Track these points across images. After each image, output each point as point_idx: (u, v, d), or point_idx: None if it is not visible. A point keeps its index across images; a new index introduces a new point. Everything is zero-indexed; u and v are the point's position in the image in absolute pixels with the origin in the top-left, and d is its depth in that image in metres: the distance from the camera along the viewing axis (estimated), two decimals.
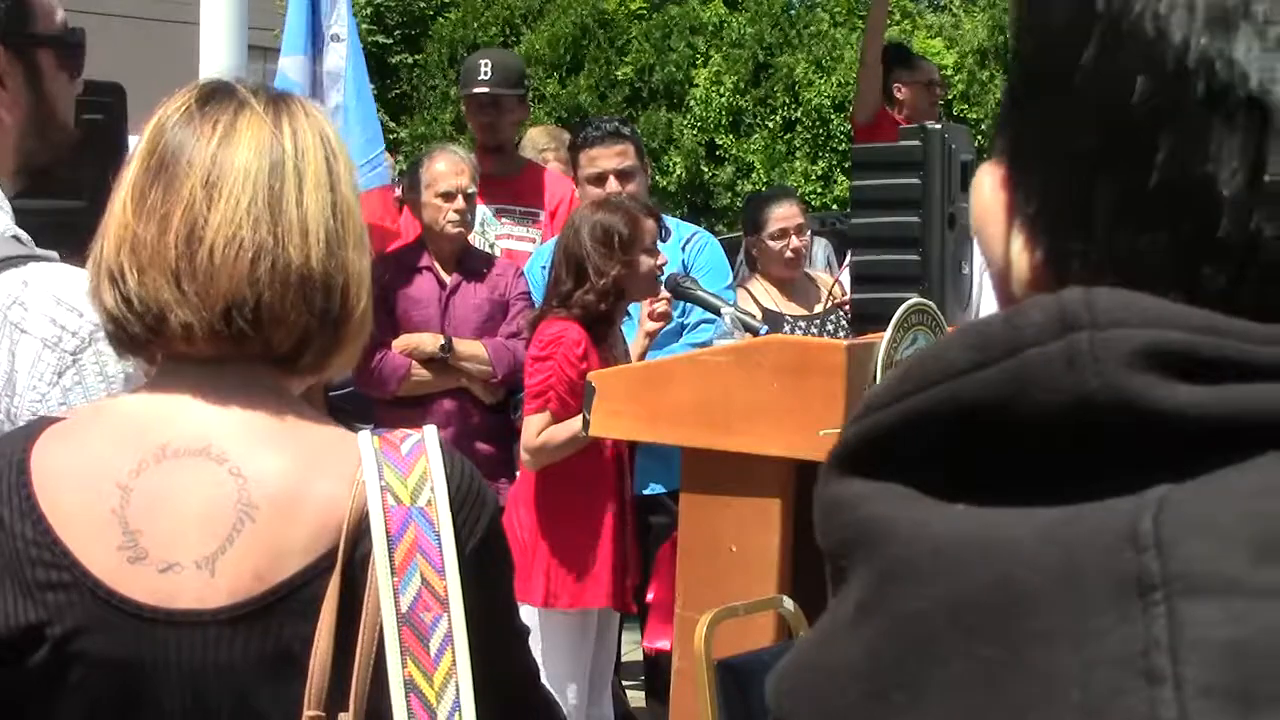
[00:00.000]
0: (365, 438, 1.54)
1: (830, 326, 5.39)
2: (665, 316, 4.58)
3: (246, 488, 1.48)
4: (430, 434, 1.58)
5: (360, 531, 1.49)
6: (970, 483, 0.62)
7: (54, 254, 1.83)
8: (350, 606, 1.48)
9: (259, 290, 1.50)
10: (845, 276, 5.42)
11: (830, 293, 5.46)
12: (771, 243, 5.49)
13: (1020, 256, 0.68)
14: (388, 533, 1.49)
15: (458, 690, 1.49)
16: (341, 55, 4.94)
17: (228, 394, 1.53)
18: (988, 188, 0.71)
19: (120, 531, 1.47)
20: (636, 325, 4.69)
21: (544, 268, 4.89)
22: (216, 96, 1.57)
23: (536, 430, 4.27)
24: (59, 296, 1.76)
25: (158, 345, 1.54)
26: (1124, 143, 0.63)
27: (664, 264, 4.44)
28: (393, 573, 1.48)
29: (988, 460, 0.62)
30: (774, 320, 5.16)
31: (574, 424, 4.14)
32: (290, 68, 4.88)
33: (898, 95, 6.92)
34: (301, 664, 1.46)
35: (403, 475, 1.52)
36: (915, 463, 0.64)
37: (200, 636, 1.47)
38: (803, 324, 5.39)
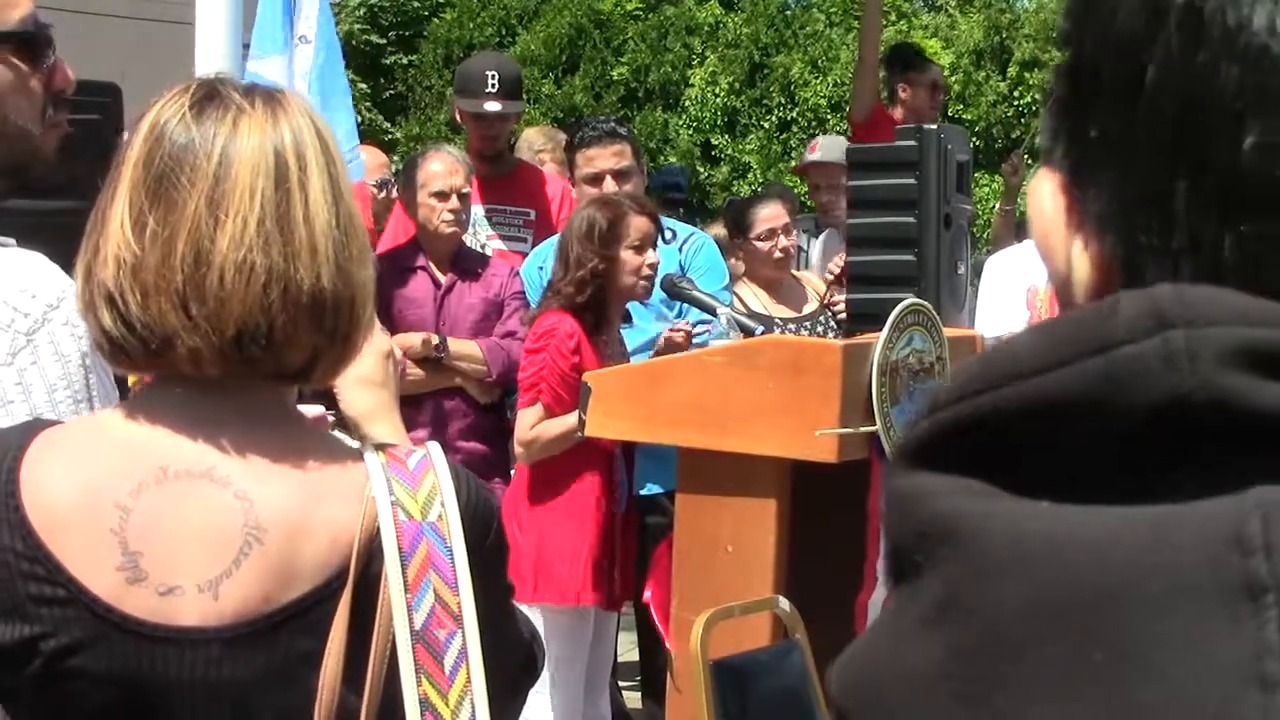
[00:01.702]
0: (371, 454, 1.52)
1: (820, 329, 5.38)
2: (680, 348, 4.58)
3: (253, 511, 1.46)
4: (434, 448, 1.56)
5: (372, 550, 1.47)
6: (1048, 480, 0.61)
7: (10, 240, 1.82)
8: (361, 624, 1.46)
9: (271, 315, 1.46)
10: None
11: (824, 297, 5.45)
12: (759, 244, 5.45)
13: (1082, 259, 0.68)
14: (400, 549, 1.47)
15: (473, 708, 1.48)
16: (308, 57, 4.89)
17: (229, 415, 1.50)
18: (1047, 193, 0.70)
19: (120, 552, 1.44)
20: (636, 329, 4.69)
21: (540, 268, 4.89)
22: (212, 102, 1.52)
23: (530, 424, 4.28)
24: (12, 279, 1.76)
25: (160, 366, 1.51)
26: (1208, 133, 0.62)
27: (655, 264, 4.44)
28: (406, 590, 1.46)
29: (1064, 458, 0.61)
30: (762, 324, 5.15)
31: (568, 420, 4.15)
32: (265, 70, 4.83)
33: (902, 94, 6.93)
34: (309, 682, 1.45)
35: (412, 490, 1.50)
36: (985, 459, 0.63)
37: (203, 654, 1.44)
38: (792, 326, 5.36)
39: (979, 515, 0.62)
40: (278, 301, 1.46)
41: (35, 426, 1.54)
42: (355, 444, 1.61)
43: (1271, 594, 0.55)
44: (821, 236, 6.23)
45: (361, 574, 1.46)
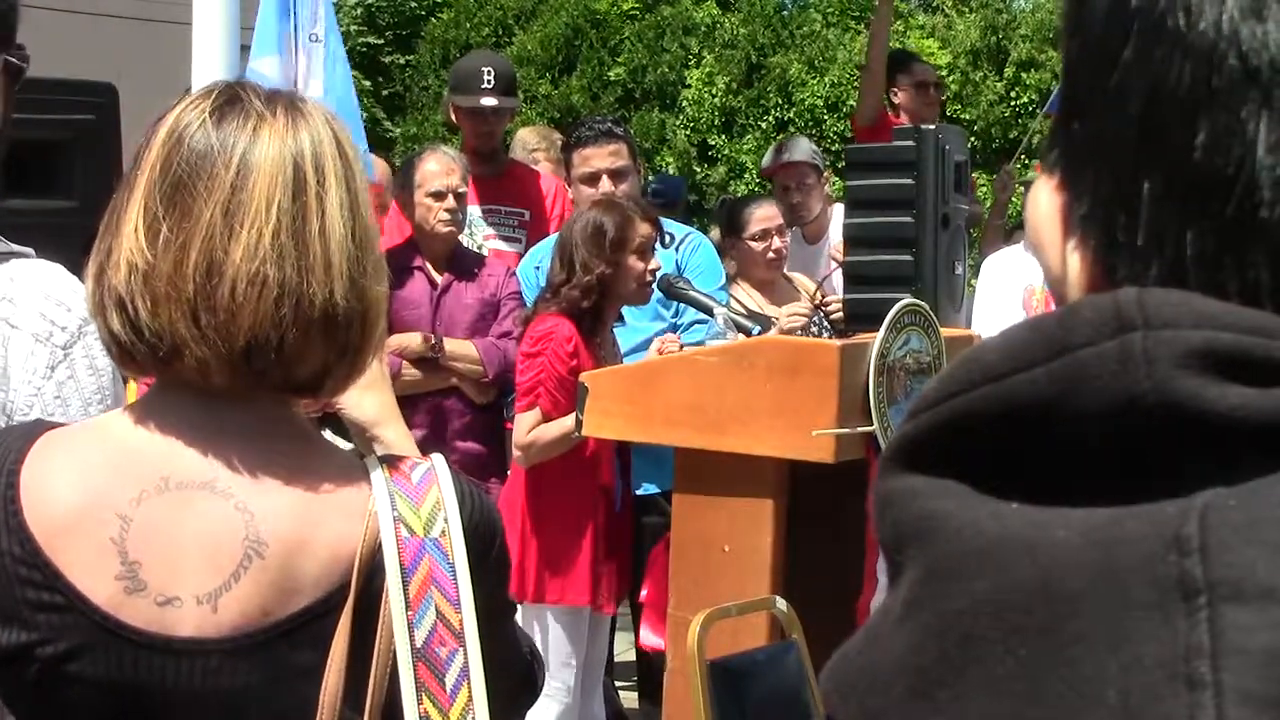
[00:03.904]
0: (375, 469, 1.51)
1: (814, 329, 5.38)
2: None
3: (254, 524, 1.44)
4: (439, 460, 1.55)
5: (373, 565, 1.45)
6: (1020, 481, 0.62)
7: (30, 250, 1.82)
8: (362, 641, 1.44)
9: (282, 329, 1.44)
10: (837, 277, 5.42)
11: (819, 297, 5.45)
12: (753, 244, 5.46)
13: (1073, 259, 0.68)
14: (401, 566, 1.45)
15: None
16: (319, 57, 4.90)
17: (234, 426, 1.48)
18: (1044, 196, 0.71)
19: (119, 561, 1.43)
20: (631, 329, 4.69)
21: (536, 268, 4.89)
22: (233, 108, 1.49)
23: (527, 428, 4.27)
24: (46, 292, 1.76)
25: (167, 373, 1.49)
26: (1164, 131, 0.63)
27: (657, 269, 4.44)
28: (407, 607, 1.45)
29: (1036, 459, 0.62)
30: (759, 323, 5.15)
31: (565, 422, 4.14)
32: (265, 68, 4.84)
33: (895, 98, 6.95)
34: (306, 696, 1.43)
35: (415, 505, 1.49)
36: (967, 461, 0.64)
37: (201, 664, 1.43)
38: None
39: (950, 516, 0.63)
40: (289, 315, 1.44)
41: (38, 428, 1.52)
42: (348, 445, 1.61)
43: (1204, 595, 0.56)
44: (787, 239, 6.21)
45: (363, 590, 1.45)
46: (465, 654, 1.47)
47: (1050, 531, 0.60)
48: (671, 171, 17.20)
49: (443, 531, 1.48)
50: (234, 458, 1.47)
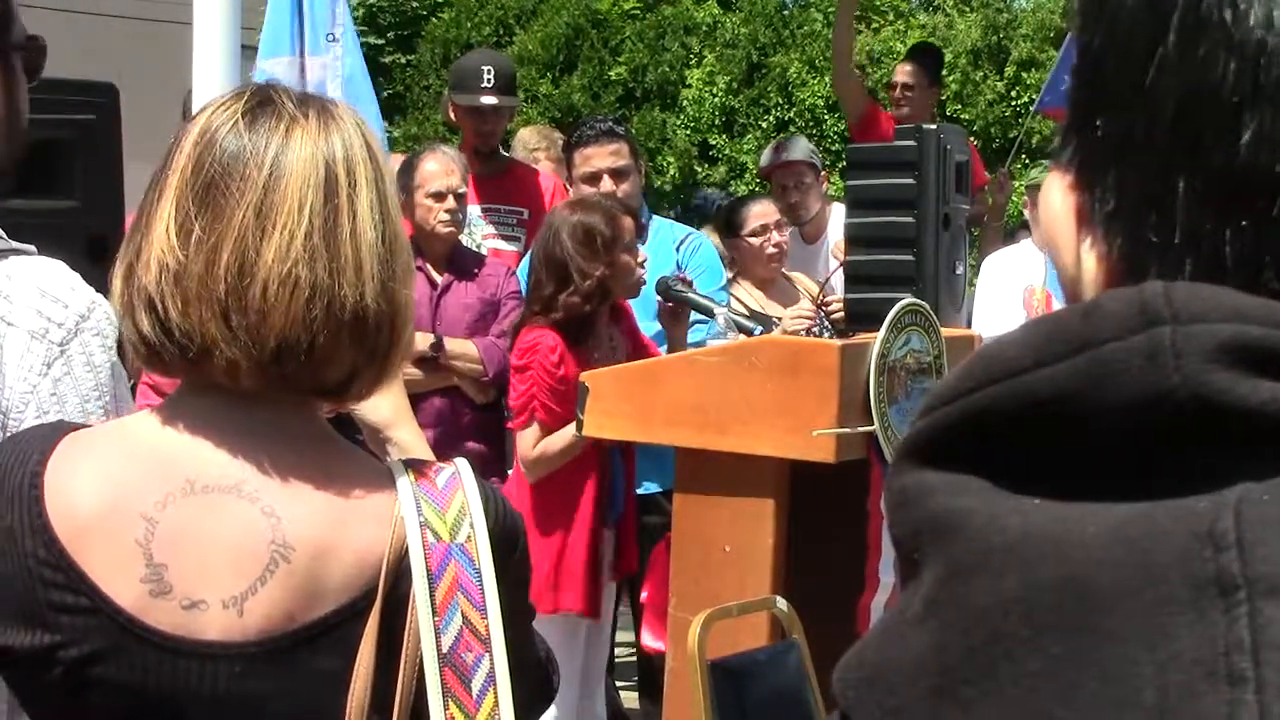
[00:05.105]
0: (401, 474, 1.50)
1: (816, 329, 5.38)
2: (676, 315, 4.63)
3: (280, 528, 1.44)
4: (463, 465, 1.54)
5: (400, 570, 1.45)
6: (1041, 477, 0.61)
7: (31, 247, 1.82)
8: (388, 646, 1.44)
9: (313, 331, 1.44)
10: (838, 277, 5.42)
11: (820, 295, 5.45)
12: (753, 239, 5.46)
13: (1089, 258, 0.68)
14: (428, 571, 1.45)
15: None
16: (338, 56, 4.92)
17: (261, 429, 1.48)
18: (1057, 194, 0.70)
19: (144, 564, 1.42)
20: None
21: None
22: (265, 110, 1.49)
23: (531, 443, 4.24)
24: (43, 288, 1.76)
25: (195, 374, 1.49)
26: (1204, 129, 0.62)
27: (644, 262, 4.42)
28: (434, 612, 1.45)
29: (1059, 455, 0.61)
30: (760, 323, 5.14)
31: (568, 432, 4.12)
32: (275, 69, 4.85)
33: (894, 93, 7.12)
34: (331, 702, 1.43)
35: (441, 510, 1.48)
36: (985, 456, 0.63)
37: (226, 669, 1.43)
38: None
39: (970, 512, 0.62)
40: (320, 317, 1.44)
41: (61, 429, 1.52)
42: (355, 444, 1.60)
43: (1243, 591, 0.56)
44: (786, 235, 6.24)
45: (389, 595, 1.44)
46: (491, 659, 1.47)
47: (1078, 527, 0.59)
48: (673, 172, 17.21)
49: (468, 537, 1.48)
50: (262, 461, 1.46)
